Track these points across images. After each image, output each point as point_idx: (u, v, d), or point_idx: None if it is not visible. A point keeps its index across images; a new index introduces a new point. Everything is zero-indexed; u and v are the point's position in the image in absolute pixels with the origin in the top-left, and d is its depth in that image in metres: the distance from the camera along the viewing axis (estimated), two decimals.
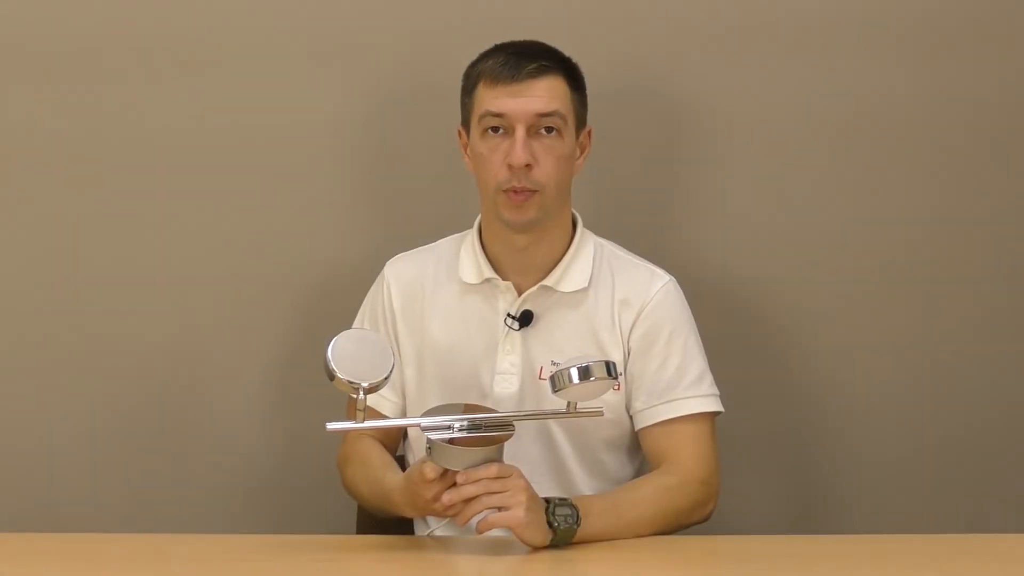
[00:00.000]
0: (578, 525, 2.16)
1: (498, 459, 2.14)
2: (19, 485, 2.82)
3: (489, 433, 2.13)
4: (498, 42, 2.39)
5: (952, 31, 2.81)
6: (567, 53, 2.39)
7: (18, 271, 2.80)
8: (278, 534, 2.34)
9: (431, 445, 2.11)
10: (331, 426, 2.13)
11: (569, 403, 2.16)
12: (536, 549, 2.15)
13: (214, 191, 2.80)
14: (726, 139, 2.83)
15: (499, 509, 2.12)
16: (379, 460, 2.37)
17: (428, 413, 2.19)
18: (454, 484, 2.12)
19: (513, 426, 2.16)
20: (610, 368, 2.12)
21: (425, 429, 2.12)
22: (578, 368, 2.11)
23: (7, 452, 2.81)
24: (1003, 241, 2.86)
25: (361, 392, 2.09)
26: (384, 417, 2.43)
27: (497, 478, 2.12)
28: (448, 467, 2.11)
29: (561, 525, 2.15)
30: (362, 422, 2.11)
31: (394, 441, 2.48)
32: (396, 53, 2.79)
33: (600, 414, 2.21)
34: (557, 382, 2.13)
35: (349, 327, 2.46)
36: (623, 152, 2.78)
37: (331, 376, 2.10)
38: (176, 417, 2.82)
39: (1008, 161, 2.85)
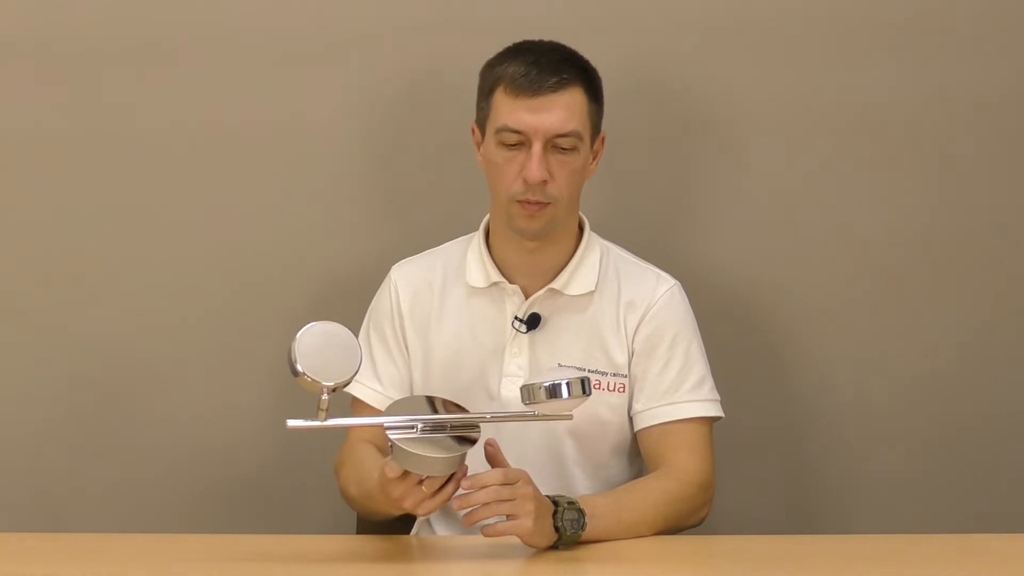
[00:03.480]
0: (583, 529, 2.16)
1: (459, 466, 2.08)
2: (19, 485, 2.82)
3: (457, 433, 2.08)
4: (504, 41, 2.38)
5: (957, 31, 2.81)
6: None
7: (18, 271, 2.80)
8: (278, 534, 2.34)
9: (393, 445, 2.05)
10: (291, 423, 2.05)
11: (537, 410, 2.11)
12: (539, 550, 2.14)
13: (216, 191, 2.80)
14: (732, 141, 2.82)
15: (507, 516, 2.11)
16: (372, 462, 2.32)
17: (394, 406, 2.13)
18: (421, 483, 2.06)
19: (479, 428, 2.09)
20: (584, 385, 2.09)
21: (388, 429, 2.05)
22: (546, 387, 2.07)
23: (7, 452, 2.82)
24: (1005, 243, 2.86)
25: (325, 392, 2.02)
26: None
27: (504, 484, 2.09)
28: (408, 469, 2.06)
29: (568, 530, 2.15)
30: (323, 421, 2.04)
31: None
32: (401, 52, 2.78)
33: (569, 419, 2.17)
34: (526, 396, 2.09)
35: (353, 324, 2.45)
36: (629, 154, 2.78)
37: (294, 373, 2.02)
38: (177, 417, 2.83)
39: (1011, 162, 2.85)
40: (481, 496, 2.09)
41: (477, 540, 2.20)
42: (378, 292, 2.50)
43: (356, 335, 2.09)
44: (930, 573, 2.12)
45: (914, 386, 2.87)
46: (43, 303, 2.81)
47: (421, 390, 2.42)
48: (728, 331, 2.77)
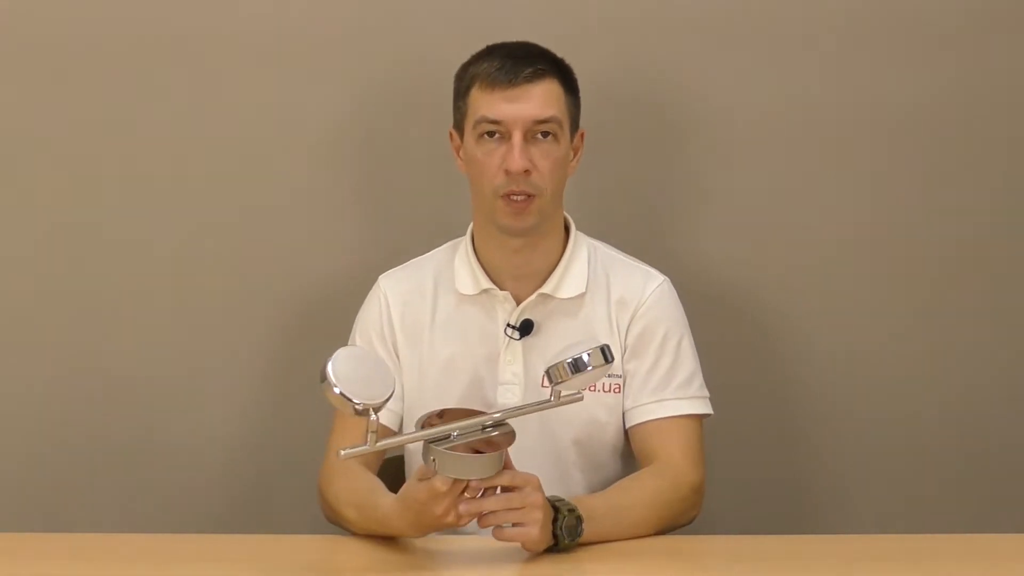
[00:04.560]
0: (580, 536, 2.16)
1: (506, 460, 2.09)
2: (19, 485, 2.82)
3: (492, 433, 2.07)
4: (490, 44, 2.38)
5: (953, 30, 2.82)
6: (560, 53, 2.38)
7: (15, 272, 2.81)
8: (277, 534, 2.34)
9: (437, 457, 2.02)
10: (344, 452, 2.01)
11: (553, 393, 2.10)
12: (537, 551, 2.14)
13: (204, 195, 2.81)
14: (720, 140, 2.83)
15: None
16: (367, 484, 2.29)
17: (419, 423, 2.11)
18: (463, 493, 2.06)
19: (509, 424, 2.09)
20: (605, 353, 2.07)
21: (431, 442, 2.03)
22: (569, 363, 2.06)
23: (7, 452, 2.82)
24: (1002, 242, 2.86)
25: (372, 413, 1.98)
26: (383, 426, 2.34)
27: (514, 488, 2.08)
28: (460, 477, 2.04)
29: (565, 538, 2.14)
30: (374, 446, 2.00)
31: (380, 456, 2.41)
32: (386, 57, 2.79)
33: (580, 399, 2.14)
34: (553, 377, 2.08)
35: (340, 329, 2.46)
36: (616, 153, 2.78)
37: (337, 397, 1.97)
38: (175, 418, 2.83)
39: (1008, 161, 2.85)
40: (491, 503, 2.08)
41: (477, 541, 2.20)
42: (365, 303, 2.47)
43: (345, 343, 2.08)
44: (930, 573, 2.12)
45: (911, 384, 2.87)
46: (42, 305, 2.81)
47: (416, 400, 2.40)
48: (719, 327, 2.77)
